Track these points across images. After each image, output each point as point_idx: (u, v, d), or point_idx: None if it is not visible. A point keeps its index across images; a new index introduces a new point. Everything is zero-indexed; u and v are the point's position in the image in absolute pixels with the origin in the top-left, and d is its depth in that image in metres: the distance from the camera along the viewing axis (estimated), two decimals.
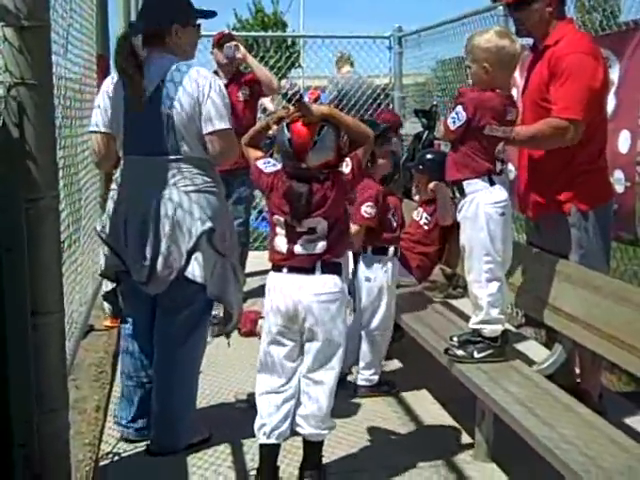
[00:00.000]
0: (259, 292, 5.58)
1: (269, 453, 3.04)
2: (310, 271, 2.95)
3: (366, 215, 3.94)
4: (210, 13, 3.37)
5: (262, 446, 3.05)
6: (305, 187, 2.91)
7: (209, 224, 3.09)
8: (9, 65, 2.23)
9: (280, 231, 3.00)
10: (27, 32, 2.22)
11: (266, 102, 10.27)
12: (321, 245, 2.94)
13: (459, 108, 3.11)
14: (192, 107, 3.02)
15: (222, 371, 4.33)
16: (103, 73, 4.79)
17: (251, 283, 5.95)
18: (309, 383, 3.03)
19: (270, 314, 3.02)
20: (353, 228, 3.69)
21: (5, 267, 2.22)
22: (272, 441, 3.01)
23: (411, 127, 6.88)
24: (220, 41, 5.60)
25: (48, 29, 2.34)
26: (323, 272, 2.96)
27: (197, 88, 3.02)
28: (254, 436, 3.07)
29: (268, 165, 3.07)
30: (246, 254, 5.87)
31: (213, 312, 5.03)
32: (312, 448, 3.08)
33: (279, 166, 3.07)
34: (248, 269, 5.90)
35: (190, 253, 3.09)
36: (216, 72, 5.73)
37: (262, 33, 20.32)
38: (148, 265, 3.09)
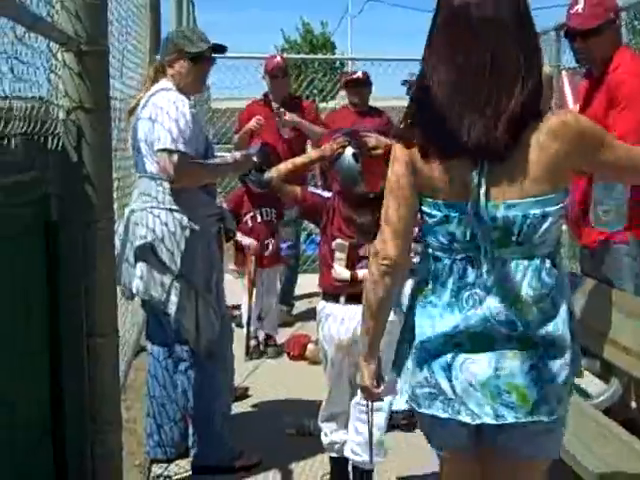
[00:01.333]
0: (307, 316, 5.59)
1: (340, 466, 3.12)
2: None
3: None
4: (219, 48, 3.45)
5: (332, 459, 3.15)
6: (367, 210, 2.87)
7: (146, 240, 3.14)
8: (68, 89, 2.26)
9: (340, 256, 2.96)
10: (86, 57, 2.25)
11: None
12: None
13: None
14: (150, 127, 3.16)
15: (270, 396, 4.31)
16: None
17: (300, 306, 5.95)
18: (363, 410, 2.99)
19: (325, 344, 3.03)
20: None
21: (62, 288, 2.24)
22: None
23: None
24: (273, 71, 5.66)
25: (106, 54, 2.37)
26: None
27: (154, 110, 3.16)
28: (304, 461, 3.04)
29: (320, 191, 3.13)
30: (295, 277, 5.87)
31: (253, 334, 5.06)
32: (362, 477, 3.04)
33: (329, 192, 3.10)
34: (296, 292, 5.90)
35: (134, 265, 3.18)
36: (266, 95, 5.79)
37: (311, 55, 20.50)
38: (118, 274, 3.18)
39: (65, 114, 2.26)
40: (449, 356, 1.84)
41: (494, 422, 1.81)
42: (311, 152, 3.60)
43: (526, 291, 1.79)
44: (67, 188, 2.28)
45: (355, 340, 2.88)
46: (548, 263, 1.82)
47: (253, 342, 5.07)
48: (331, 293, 3.00)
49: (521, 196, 1.76)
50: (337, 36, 31.38)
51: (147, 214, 3.16)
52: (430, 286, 1.89)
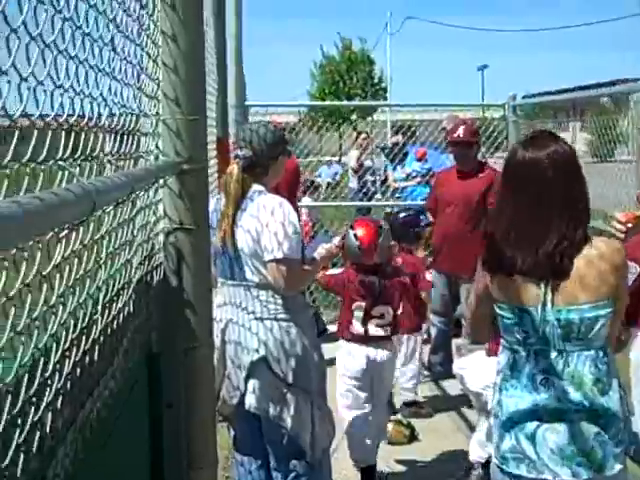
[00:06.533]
0: None
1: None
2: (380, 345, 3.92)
3: None
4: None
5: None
6: (375, 277, 3.87)
7: (259, 354, 3.00)
8: (168, 210, 2.14)
9: (358, 315, 3.87)
10: (186, 175, 2.12)
11: (352, 159, 10.24)
12: (387, 329, 3.90)
13: None
14: (255, 235, 2.98)
15: None
16: (223, 156, 4.72)
17: None
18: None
19: (345, 376, 3.88)
20: None
21: (166, 423, 2.12)
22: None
23: None
24: None
25: (206, 170, 2.25)
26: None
27: (259, 217, 2.99)
28: None
29: (334, 271, 4.07)
30: None
31: None
32: None
33: (342, 268, 4.09)
34: None
35: (246, 382, 3.04)
36: None
37: (349, 101, 20.49)
38: (217, 388, 3.00)
39: (165, 236, 2.14)
40: (531, 427, 2.26)
41: (572, 479, 2.23)
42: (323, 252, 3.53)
43: (587, 376, 2.23)
44: (167, 316, 2.15)
45: (365, 369, 3.85)
46: (601, 353, 2.25)
47: None
48: (349, 339, 3.92)
49: (578, 302, 2.21)
50: (375, 51, 31.23)
51: (247, 327, 3.01)
52: (510, 373, 2.32)
